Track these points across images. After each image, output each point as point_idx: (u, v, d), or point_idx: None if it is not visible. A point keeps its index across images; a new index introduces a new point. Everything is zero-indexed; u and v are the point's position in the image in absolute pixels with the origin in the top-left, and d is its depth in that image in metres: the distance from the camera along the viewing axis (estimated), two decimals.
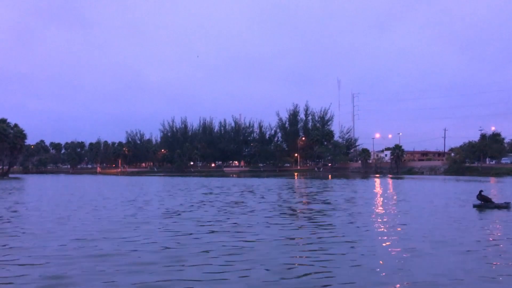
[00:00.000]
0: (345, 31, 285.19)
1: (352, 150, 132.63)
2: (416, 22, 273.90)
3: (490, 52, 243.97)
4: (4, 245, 11.21)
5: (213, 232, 13.43)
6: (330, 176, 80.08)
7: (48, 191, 37.58)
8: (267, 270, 8.63)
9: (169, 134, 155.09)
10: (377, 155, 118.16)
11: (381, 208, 20.59)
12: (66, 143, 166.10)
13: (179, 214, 18.24)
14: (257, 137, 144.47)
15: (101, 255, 9.97)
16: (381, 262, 9.35)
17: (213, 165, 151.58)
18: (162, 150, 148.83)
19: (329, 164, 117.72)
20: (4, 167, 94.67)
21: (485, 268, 8.84)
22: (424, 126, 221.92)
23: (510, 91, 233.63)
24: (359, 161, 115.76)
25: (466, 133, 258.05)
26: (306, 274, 8.37)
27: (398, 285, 7.63)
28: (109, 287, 7.58)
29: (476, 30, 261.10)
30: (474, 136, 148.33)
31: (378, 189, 37.96)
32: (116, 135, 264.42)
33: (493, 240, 12.08)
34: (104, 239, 12.00)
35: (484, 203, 20.17)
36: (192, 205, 22.23)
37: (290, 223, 15.35)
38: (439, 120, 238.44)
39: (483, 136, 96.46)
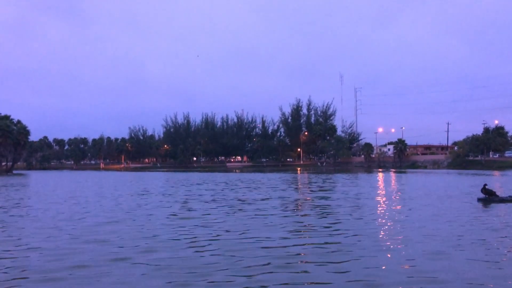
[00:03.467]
0: (347, 25, 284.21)
1: (355, 145, 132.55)
2: (419, 15, 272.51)
3: (493, 45, 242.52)
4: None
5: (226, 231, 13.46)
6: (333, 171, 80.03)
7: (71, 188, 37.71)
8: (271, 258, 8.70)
9: (171, 129, 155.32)
10: (380, 150, 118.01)
11: (384, 203, 20.58)
12: (69, 139, 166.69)
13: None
14: (260, 132, 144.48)
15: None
16: (382, 260, 9.37)
17: (215, 160, 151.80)
18: (165, 146, 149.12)
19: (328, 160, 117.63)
20: (8, 164, 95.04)
21: (491, 263, 8.85)
22: (427, 120, 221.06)
23: None
24: (362, 156, 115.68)
25: (470, 127, 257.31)
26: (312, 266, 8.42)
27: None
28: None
29: (479, 23, 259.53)
30: (477, 130, 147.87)
31: (381, 183, 37.94)
32: (119, 131, 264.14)
33: (499, 233, 12.05)
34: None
35: (489, 197, 20.12)
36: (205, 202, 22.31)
37: (298, 217, 15.38)
38: (442, 114, 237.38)
39: (486, 130, 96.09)
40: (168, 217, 15.75)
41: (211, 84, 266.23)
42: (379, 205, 19.30)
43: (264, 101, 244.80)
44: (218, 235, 11.87)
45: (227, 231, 12.60)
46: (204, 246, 10.45)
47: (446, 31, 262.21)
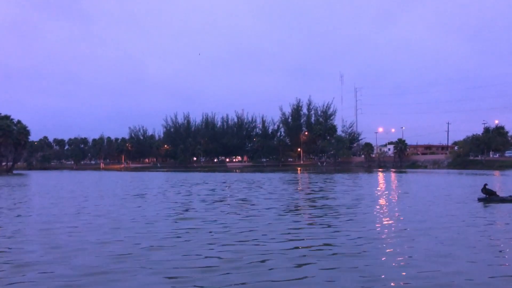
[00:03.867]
0: (348, 24, 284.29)
1: (355, 145, 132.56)
2: (420, 14, 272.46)
3: (494, 44, 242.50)
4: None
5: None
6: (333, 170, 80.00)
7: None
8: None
9: (172, 129, 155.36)
10: (380, 149, 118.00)
11: (384, 203, 20.52)
12: (70, 139, 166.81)
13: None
14: (260, 132, 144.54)
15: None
16: (381, 260, 9.33)
17: (215, 160, 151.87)
18: (165, 146, 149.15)
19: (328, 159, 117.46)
20: (8, 163, 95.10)
21: (491, 262, 8.81)
22: (427, 120, 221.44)
23: None
24: (362, 156, 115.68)
25: (470, 126, 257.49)
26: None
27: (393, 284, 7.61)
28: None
29: (479, 23, 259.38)
30: (477, 130, 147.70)
31: (381, 183, 37.89)
32: (119, 131, 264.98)
33: (497, 233, 12.01)
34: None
35: (489, 197, 20.06)
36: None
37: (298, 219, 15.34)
38: (443, 113, 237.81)
39: (486, 130, 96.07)
40: (165, 218, 15.71)
41: (211, 84, 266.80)
42: (378, 205, 19.23)
43: (264, 101, 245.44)
44: (217, 235, 11.85)
45: (225, 231, 12.57)
46: (202, 245, 10.42)
47: (446, 31, 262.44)
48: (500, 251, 9.72)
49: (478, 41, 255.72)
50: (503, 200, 19.82)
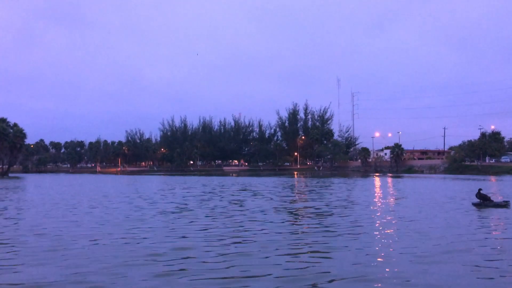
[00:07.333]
0: (344, 30, 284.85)
1: (351, 149, 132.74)
2: (416, 21, 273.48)
3: (489, 50, 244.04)
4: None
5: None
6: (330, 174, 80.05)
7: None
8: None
9: (168, 133, 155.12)
10: (376, 154, 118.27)
11: (380, 207, 20.61)
12: (66, 142, 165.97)
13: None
14: (257, 136, 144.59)
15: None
16: (373, 262, 9.39)
17: (212, 164, 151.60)
18: (162, 149, 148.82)
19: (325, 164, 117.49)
20: (4, 167, 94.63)
21: (484, 266, 8.87)
22: (424, 125, 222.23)
23: (509, 90, 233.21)
24: (359, 160, 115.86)
25: (466, 131, 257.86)
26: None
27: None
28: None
29: (475, 28, 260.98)
30: (474, 135, 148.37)
31: (378, 187, 38.00)
32: (115, 134, 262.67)
33: (492, 238, 12.09)
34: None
35: (483, 202, 20.18)
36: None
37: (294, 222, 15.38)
38: (439, 118, 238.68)
39: (482, 135, 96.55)
40: (160, 222, 15.72)
41: (208, 89, 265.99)
42: (373, 210, 19.30)
43: (261, 105, 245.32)
44: (210, 239, 11.88)
45: (219, 235, 12.61)
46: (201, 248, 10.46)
47: (442, 37, 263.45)
48: (493, 254, 9.79)
49: (475, 47, 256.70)
50: (497, 205, 19.94)
